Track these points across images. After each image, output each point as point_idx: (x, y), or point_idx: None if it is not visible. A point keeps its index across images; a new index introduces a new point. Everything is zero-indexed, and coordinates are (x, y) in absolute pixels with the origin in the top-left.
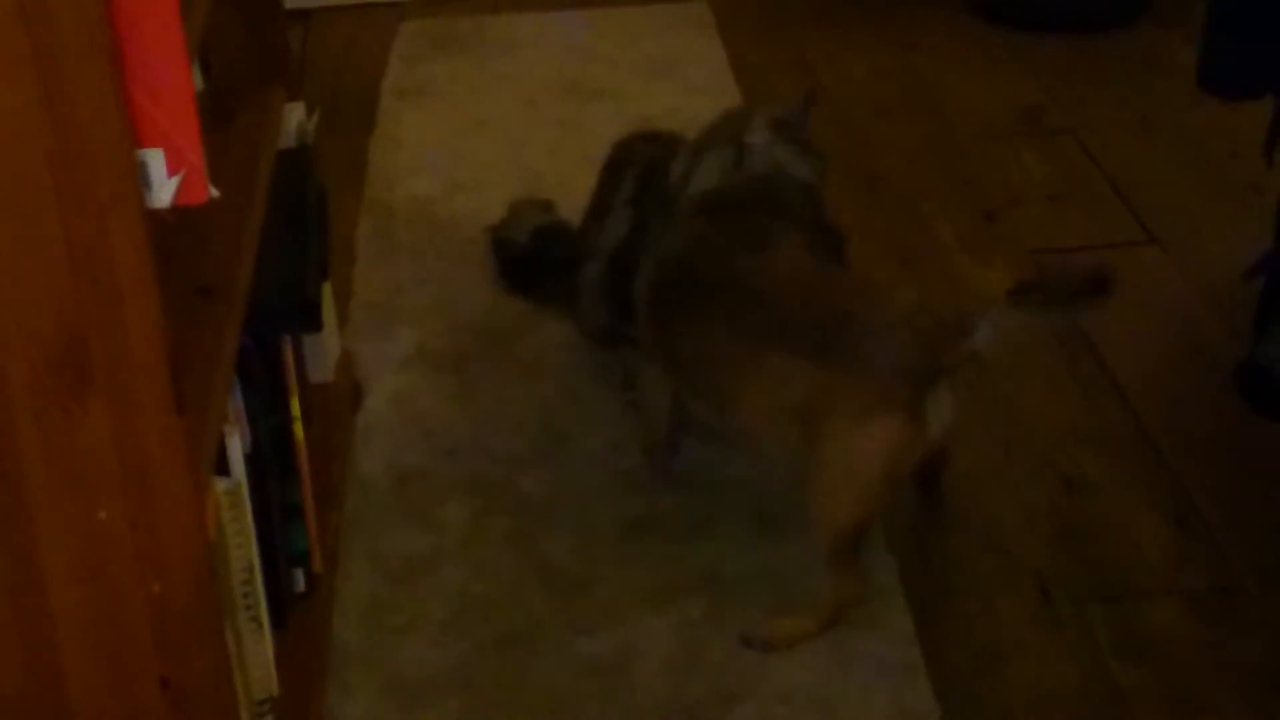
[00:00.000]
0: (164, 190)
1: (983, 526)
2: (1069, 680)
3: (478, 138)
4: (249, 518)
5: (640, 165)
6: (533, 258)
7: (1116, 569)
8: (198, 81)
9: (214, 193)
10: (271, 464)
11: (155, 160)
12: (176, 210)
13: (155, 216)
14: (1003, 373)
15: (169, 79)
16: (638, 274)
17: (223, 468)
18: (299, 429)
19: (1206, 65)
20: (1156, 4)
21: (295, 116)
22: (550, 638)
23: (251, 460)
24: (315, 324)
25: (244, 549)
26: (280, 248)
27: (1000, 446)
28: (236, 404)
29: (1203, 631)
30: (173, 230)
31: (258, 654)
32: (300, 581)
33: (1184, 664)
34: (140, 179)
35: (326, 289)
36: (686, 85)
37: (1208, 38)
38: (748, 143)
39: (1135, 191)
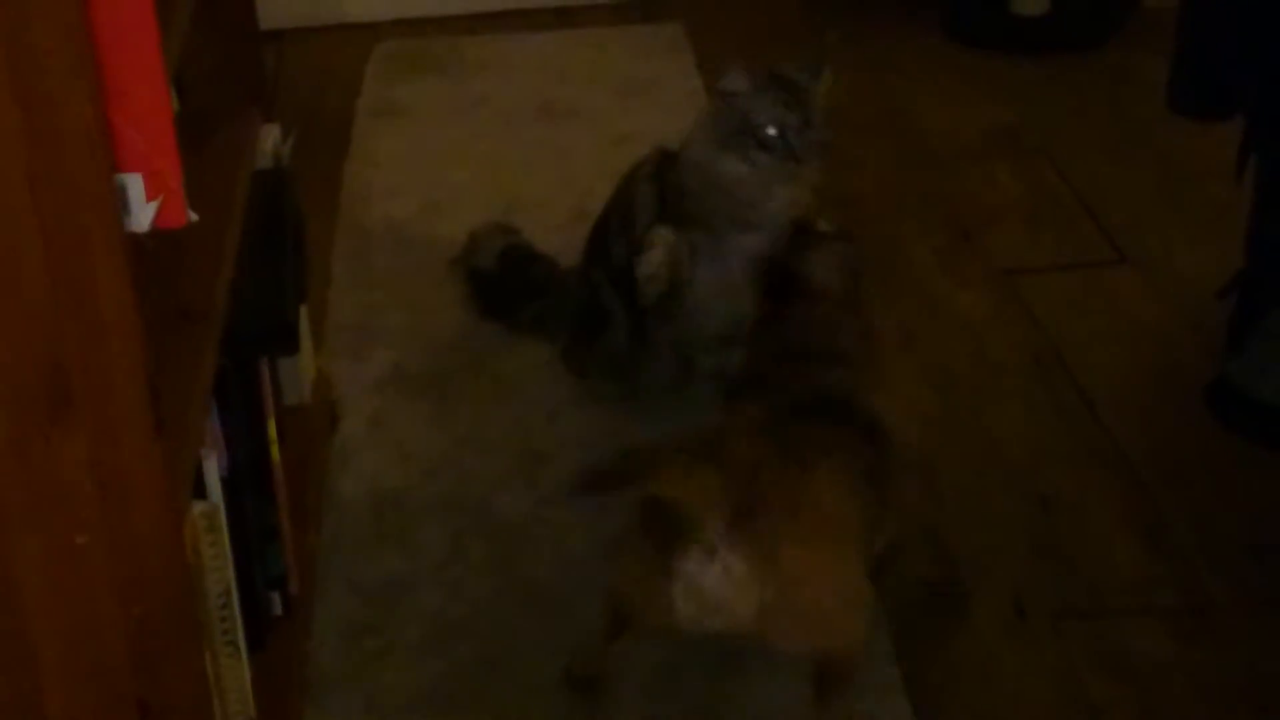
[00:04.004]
0: (143, 214)
1: (958, 545)
2: (1045, 697)
3: (453, 159)
4: (226, 541)
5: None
6: (502, 281)
7: (1091, 587)
8: (173, 103)
9: (193, 216)
10: (249, 487)
11: (134, 184)
12: (154, 233)
13: (134, 240)
14: (976, 392)
15: (148, 102)
16: None
17: (200, 490)
18: (276, 451)
19: (1176, 86)
20: (1128, 25)
21: (271, 138)
22: (528, 659)
23: (229, 483)
24: (293, 346)
25: (221, 572)
26: (257, 270)
27: (974, 465)
28: (214, 426)
29: (1177, 649)
30: (150, 253)
31: (235, 677)
32: (277, 604)
33: (1159, 681)
34: (120, 203)
35: (303, 311)
36: (661, 106)
37: (1177, 59)
38: None
39: (1107, 211)
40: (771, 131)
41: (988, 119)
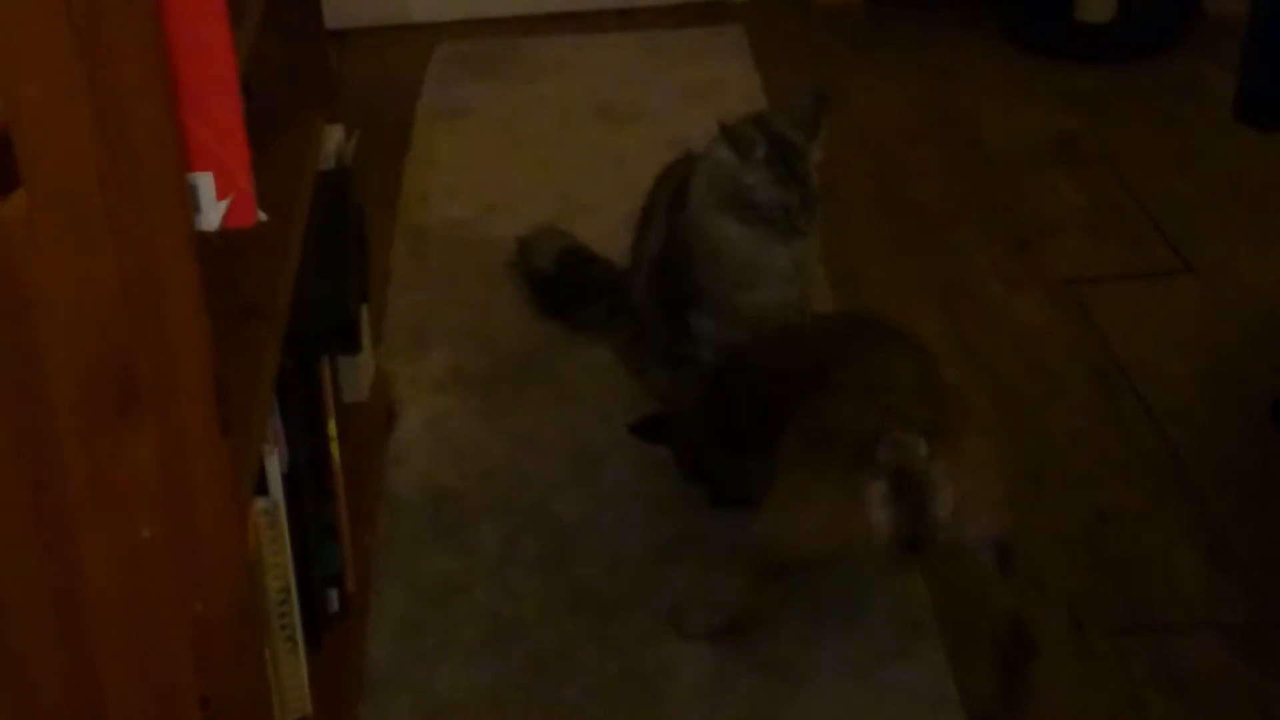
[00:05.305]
0: (213, 213)
1: (1016, 557)
2: (1103, 713)
3: (512, 160)
4: (286, 538)
5: (678, 174)
6: (562, 282)
7: (1150, 602)
8: None
9: (262, 216)
10: (308, 484)
11: (205, 183)
12: (220, 232)
13: (202, 239)
14: (1036, 402)
15: (219, 103)
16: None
17: (261, 487)
18: (335, 449)
19: (1244, 96)
20: (1193, 34)
21: (335, 138)
22: (581, 661)
23: (289, 480)
24: (355, 345)
25: (281, 568)
26: (320, 269)
27: (1033, 477)
28: (275, 424)
29: (1237, 666)
30: (215, 251)
31: (293, 673)
32: (334, 602)
33: (1218, 698)
34: (191, 202)
35: (363, 310)
36: (721, 109)
37: (1245, 68)
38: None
39: (1171, 221)
40: (774, 212)
41: (1050, 126)
